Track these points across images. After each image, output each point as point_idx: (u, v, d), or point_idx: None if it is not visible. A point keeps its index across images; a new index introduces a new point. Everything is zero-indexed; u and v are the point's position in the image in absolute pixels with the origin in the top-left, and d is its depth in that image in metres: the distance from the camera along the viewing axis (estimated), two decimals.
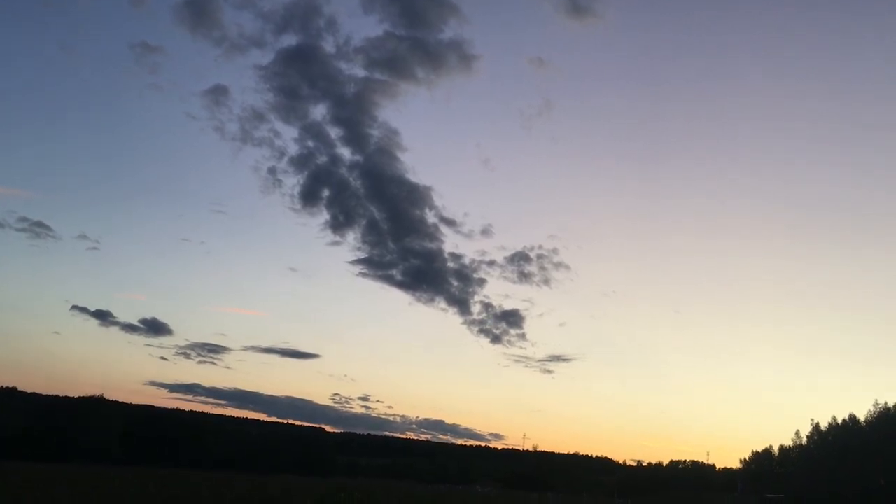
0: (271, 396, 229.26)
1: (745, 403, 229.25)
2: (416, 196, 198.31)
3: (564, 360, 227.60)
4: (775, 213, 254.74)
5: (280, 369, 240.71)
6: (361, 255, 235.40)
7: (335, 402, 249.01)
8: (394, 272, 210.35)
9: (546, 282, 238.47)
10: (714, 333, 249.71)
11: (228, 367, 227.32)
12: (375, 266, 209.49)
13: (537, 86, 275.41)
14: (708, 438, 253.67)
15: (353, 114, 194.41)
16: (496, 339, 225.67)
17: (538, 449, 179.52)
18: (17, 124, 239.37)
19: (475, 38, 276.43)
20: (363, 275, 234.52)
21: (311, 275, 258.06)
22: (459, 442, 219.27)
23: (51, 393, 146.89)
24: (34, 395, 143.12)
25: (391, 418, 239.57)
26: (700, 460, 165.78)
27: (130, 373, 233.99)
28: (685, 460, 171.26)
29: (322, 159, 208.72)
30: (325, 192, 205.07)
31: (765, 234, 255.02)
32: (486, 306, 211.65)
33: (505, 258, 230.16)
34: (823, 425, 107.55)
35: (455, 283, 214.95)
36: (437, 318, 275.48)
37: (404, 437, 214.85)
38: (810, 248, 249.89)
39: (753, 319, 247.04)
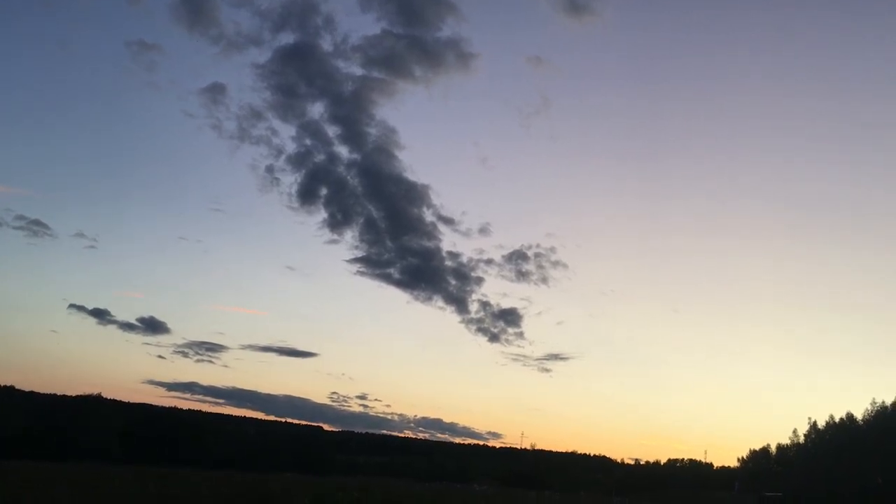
0: (269, 395, 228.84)
1: (743, 402, 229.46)
2: (414, 194, 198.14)
3: (562, 358, 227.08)
4: (774, 213, 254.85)
5: (278, 368, 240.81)
6: (359, 253, 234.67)
7: (333, 401, 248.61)
8: (391, 271, 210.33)
9: (544, 280, 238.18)
10: (712, 332, 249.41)
11: (226, 366, 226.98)
12: (373, 264, 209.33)
13: (535, 84, 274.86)
14: (706, 437, 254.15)
15: (351, 112, 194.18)
16: (494, 338, 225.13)
17: (536, 447, 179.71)
18: (13, 122, 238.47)
19: (473, 36, 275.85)
20: (361, 273, 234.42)
21: (309, 273, 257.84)
22: (457, 440, 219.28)
23: (49, 392, 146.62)
24: (32, 393, 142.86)
25: (389, 417, 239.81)
26: (698, 459, 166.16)
27: (128, 371, 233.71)
28: (683, 459, 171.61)
29: (320, 157, 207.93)
30: (323, 191, 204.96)
31: (764, 233, 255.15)
32: (484, 305, 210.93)
33: (503, 257, 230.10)
34: (821, 424, 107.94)
35: (453, 282, 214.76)
36: (435, 316, 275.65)
37: (402, 435, 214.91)
38: (809, 247, 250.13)
39: (752, 319, 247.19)
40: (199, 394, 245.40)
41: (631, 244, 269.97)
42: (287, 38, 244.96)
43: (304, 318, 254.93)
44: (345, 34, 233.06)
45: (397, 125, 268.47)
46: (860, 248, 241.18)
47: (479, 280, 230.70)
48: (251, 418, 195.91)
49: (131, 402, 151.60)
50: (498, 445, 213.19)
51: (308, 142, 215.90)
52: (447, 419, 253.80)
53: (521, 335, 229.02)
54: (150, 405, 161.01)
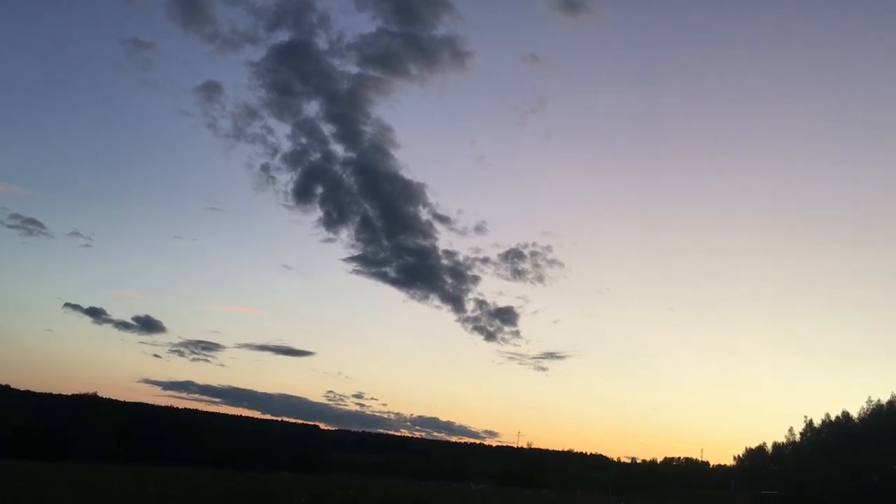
0: (265, 394, 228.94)
1: (740, 401, 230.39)
2: (410, 193, 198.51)
3: (558, 357, 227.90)
4: (771, 212, 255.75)
5: (274, 367, 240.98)
6: (355, 252, 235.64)
7: (329, 400, 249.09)
8: (387, 269, 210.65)
9: (540, 279, 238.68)
10: (708, 331, 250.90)
11: (222, 365, 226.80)
12: (369, 263, 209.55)
13: (531, 83, 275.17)
14: (702, 435, 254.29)
15: (347, 110, 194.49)
16: (490, 337, 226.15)
17: (532, 446, 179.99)
18: (8, 121, 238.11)
19: (469, 34, 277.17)
20: (357, 272, 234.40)
21: (305, 272, 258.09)
22: (454, 439, 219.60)
23: (44, 391, 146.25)
24: (28, 392, 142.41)
25: (385, 416, 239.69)
26: (694, 457, 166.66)
27: (124, 370, 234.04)
28: (679, 457, 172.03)
29: (315, 156, 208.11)
30: (319, 189, 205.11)
31: (760, 232, 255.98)
32: (480, 303, 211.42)
33: (499, 255, 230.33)
34: (817, 422, 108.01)
35: (449, 281, 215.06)
36: (431, 315, 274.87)
37: (399, 434, 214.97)
38: (806, 246, 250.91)
39: (748, 317, 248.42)
40: (195, 393, 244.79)
41: (627, 243, 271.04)
42: (282, 36, 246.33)
43: (300, 317, 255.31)
44: (340, 32, 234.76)
45: (393, 124, 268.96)
46: (857, 247, 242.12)
47: (476, 279, 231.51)
48: (247, 417, 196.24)
49: (127, 401, 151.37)
50: (494, 444, 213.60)
51: (304, 140, 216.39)
52: (443, 418, 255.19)
53: (517, 334, 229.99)
54: (146, 404, 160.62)
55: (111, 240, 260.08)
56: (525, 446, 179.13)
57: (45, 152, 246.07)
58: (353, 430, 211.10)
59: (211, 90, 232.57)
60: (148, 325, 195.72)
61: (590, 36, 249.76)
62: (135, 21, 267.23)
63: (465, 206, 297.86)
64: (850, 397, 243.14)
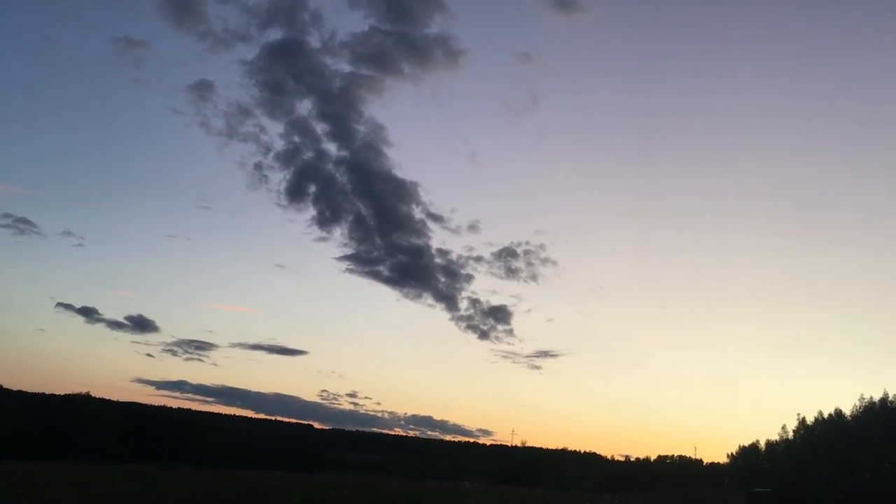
0: (259, 393, 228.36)
1: (732, 398, 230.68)
2: (403, 192, 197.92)
3: (552, 355, 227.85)
4: (764, 210, 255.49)
5: (267, 366, 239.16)
6: (348, 251, 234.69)
7: (323, 399, 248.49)
8: (381, 268, 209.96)
9: (533, 277, 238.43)
10: (701, 329, 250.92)
11: (216, 364, 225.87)
12: (362, 262, 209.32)
13: (524, 81, 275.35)
14: (695, 433, 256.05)
15: (339, 109, 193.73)
16: (484, 335, 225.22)
17: (526, 444, 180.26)
18: None
19: (461, 33, 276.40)
20: (350, 271, 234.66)
21: (298, 271, 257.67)
22: (448, 438, 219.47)
23: (37, 391, 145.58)
24: (20, 392, 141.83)
25: (379, 415, 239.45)
26: (687, 455, 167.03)
27: (116, 370, 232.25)
28: (672, 455, 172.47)
29: (308, 155, 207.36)
30: (312, 188, 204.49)
31: (753, 230, 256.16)
32: (474, 302, 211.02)
33: (492, 254, 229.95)
34: (809, 420, 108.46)
35: (442, 279, 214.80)
36: (425, 314, 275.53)
37: (393, 433, 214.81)
38: (798, 243, 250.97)
39: (741, 315, 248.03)
40: (189, 392, 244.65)
41: (620, 241, 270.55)
42: (274, 34, 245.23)
43: (293, 316, 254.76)
44: (332, 31, 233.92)
45: (386, 122, 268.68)
46: (850, 245, 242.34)
47: (469, 277, 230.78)
48: (241, 417, 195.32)
49: (120, 400, 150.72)
50: (488, 443, 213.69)
51: (296, 139, 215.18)
52: (437, 416, 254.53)
53: (510, 332, 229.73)
54: (139, 404, 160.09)
55: (103, 239, 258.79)
56: (519, 445, 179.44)
57: (36, 151, 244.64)
58: (347, 429, 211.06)
59: (203, 89, 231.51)
60: (141, 324, 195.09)
61: (583, 34, 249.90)
62: (127, 19, 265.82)
63: (459, 204, 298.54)
64: (843, 395, 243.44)
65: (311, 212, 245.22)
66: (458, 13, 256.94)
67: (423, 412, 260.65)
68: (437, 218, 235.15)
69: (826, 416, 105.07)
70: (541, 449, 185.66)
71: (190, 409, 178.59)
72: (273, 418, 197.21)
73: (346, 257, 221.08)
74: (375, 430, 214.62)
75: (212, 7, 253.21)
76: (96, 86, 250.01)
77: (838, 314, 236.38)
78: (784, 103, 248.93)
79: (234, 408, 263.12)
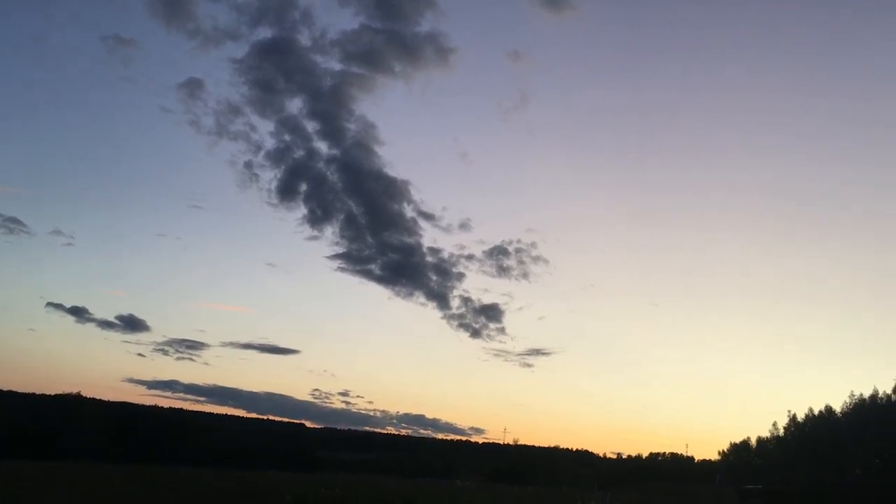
0: (251, 393, 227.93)
1: (724, 395, 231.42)
2: (394, 190, 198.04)
3: (544, 353, 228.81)
4: (755, 207, 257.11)
5: (259, 365, 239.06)
6: (340, 249, 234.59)
7: (315, 398, 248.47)
8: (372, 267, 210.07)
9: (525, 276, 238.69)
10: (692, 326, 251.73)
11: (207, 364, 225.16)
12: (354, 261, 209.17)
13: (515, 79, 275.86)
14: (687, 430, 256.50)
15: (330, 107, 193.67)
16: (476, 334, 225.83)
17: (519, 442, 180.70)
18: None
19: (452, 31, 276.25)
20: (341, 269, 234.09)
21: (290, 270, 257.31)
22: (440, 436, 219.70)
23: (27, 391, 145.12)
24: (10, 392, 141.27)
25: (372, 413, 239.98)
26: (679, 452, 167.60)
27: (107, 370, 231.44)
28: (664, 452, 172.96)
29: (299, 153, 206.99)
30: (303, 187, 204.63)
31: (744, 227, 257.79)
32: (466, 300, 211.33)
33: (483, 252, 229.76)
34: (800, 417, 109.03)
35: (434, 278, 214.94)
36: (417, 312, 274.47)
37: (385, 432, 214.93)
38: (790, 241, 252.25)
39: (731, 312, 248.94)
40: (180, 392, 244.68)
41: (611, 239, 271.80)
42: (264, 32, 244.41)
43: (285, 315, 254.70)
44: (323, 29, 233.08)
45: (377, 121, 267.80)
46: (841, 243, 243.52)
47: (461, 276, 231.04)
48: (233, 416, 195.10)
49: (111, 400, 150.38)
50: (481, 441, 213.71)
51: (287, 137, 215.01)
52: (430, 415, 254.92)
53: (502, 330, 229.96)
54: (131, 404, 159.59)
55: (93, 238, 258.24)
56: (511, 443, 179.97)
57: (25, 150, 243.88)
58: (339, 427, 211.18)
59: (193, 87, 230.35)
60: (131, 323, 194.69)
61: (573, 32, 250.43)
62: (116, 18, 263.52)
63: (450, 203, 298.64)
64: (834, 392, 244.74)
65: (301, 210, 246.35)
66: (448, 11, 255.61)
67: (415, 411, 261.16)
68: (428, 216, 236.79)
69: (817, 413, 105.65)
70: (533, 447, 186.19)
71: (182, 409, 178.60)
72: (265, 417, 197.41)
73: (337, 256, 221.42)
74: (368, 428, 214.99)
75: (201, 5, 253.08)
76: (85, 84, 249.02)
77: (829, 311, 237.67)
78: (774, 101, 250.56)
79: (226, 407, 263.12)
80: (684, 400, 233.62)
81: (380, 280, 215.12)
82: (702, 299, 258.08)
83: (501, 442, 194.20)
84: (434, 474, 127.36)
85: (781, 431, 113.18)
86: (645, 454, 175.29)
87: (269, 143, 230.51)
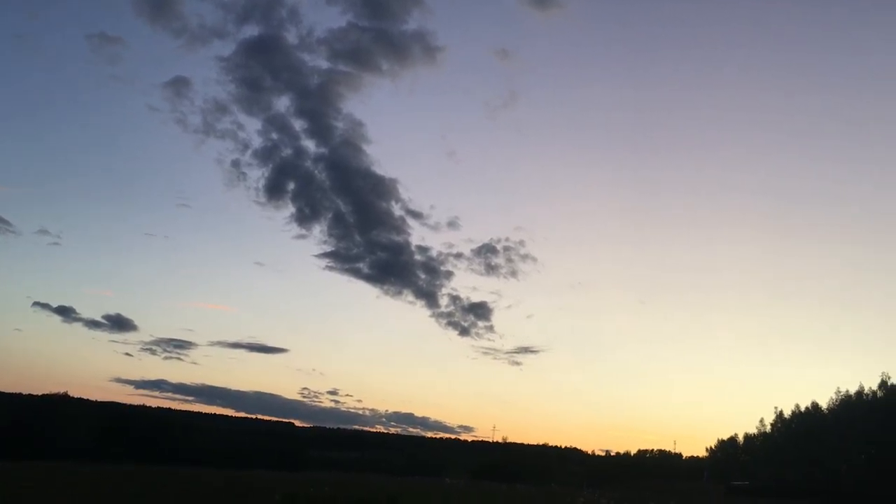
0: (239, 392, 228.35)
1: (711, 392, 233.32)
2: (382, 189, 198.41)
3: (532, 351, 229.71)
4: (742, 205, 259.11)
5: (248, 364, 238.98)
6: (328, 248, 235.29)
7: (304, 397, 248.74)
8: (361, 265, 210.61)
9: (513, 274, 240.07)
10: (680, 324, 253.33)
11: (195, 363, 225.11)
12: (342, 259, 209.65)
13: (502, 77, 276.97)
14: (674, 427, 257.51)
15: (318, 106, 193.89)
16: (464, 332, 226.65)
17: (508, 440, 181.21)
18: None
19: (439, 29, 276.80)
20: (330, 268, 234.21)
21: (278, 269, 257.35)
22: (429, 434, 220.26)
23: (14, 391, 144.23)
24: None
25: (361, 412, 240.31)
26: (667, 449, 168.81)
27: (95, 370, 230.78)
28: (652, 449, 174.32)
29: (286, 152, 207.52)
30: (291, 185, 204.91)
31: (731, 225, 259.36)
32: (454, 299, 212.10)
33: (472, 250, 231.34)
34: (787, 413, 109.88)
35: (422, 276, 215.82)
36: (405, 311, 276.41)
37: (374, 430, 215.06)
38: (776, 238, 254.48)
39: (719, 310, 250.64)
40: (168, 391, 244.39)
41: (599, 237, 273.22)
42: (251, 30, 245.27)
43: (273, 314, 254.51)
44: (310, 27, 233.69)
45: (364, 119, 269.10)
46: (827, 240, 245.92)
47: (449, 274, 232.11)
48: (221, 415, 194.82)
49: (98, 400, 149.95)
50: (470, 439, 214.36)
51: (274, 136, 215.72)
52: (419, 413, 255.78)
53: (491, 329, 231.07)
54: (118, 403, 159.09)
55: (80, 237, 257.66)
56: (500, 441, 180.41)
57: (10, 149, 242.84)
58: (328, 426, 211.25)
59: (180, 85, 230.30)
60: (119, 323, 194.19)
61: (560, 30, 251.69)
62: (102, 15, 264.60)
63: (438, 201, 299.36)
64: (820, 388, 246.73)
65: (289, 209, 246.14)
66: (435, 9, 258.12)
67: (404, 409, 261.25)
68: (416, 215, 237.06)
69: (803, 409, 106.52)
70: (522, 445, 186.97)
71: (170, 409, 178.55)
72: (254, 417, 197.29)
73: (325, 254, 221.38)
74: (357, 427, 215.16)
75: (188, 3, 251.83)
76: (71, 83, 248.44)
77: (816, 309, 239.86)
78: (764, 99, 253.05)
79: (215, 406, 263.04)
80: (672, 397, 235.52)
81: (368, 279, 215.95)
82: (689, 297, 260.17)
83: (490, 440, 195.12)
84: (423, 472, 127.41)
85: (768, 428, 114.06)
86: (633, 451, 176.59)
87: (257, 142, 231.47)
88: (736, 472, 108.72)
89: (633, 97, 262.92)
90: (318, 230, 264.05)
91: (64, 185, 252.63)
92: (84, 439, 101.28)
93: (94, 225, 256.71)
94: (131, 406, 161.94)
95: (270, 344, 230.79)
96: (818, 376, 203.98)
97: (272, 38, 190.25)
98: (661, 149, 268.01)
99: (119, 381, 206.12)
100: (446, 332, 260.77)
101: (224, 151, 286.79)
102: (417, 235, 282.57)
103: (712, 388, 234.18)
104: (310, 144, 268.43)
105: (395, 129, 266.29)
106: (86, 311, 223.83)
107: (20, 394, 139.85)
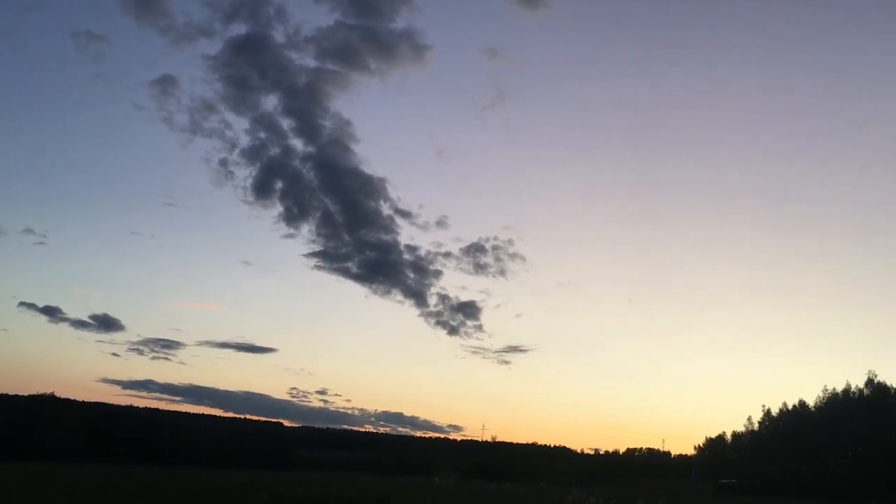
0: (227, 392, 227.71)
1: (699, 391, 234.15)
2: (371, 188, 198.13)
3: (521, 350, 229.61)
4: (730, 204, 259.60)
5: (236, 364, 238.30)
6: (316, 247, 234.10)
7: (293, 397, 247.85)
8: (349, 265, 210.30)
9: (502, 273, 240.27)
10: (668, 322, 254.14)
11: (183, 363, 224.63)
12: (331, 259, 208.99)
13: (490, 76, 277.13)
14: (663, 426, 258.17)
15: (305, 104, 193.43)
16: (453, 331, 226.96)
17: (497, 439, 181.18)
18: None
19: (427, 28, 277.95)
20: (318, 267, 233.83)
21: (266, 268, 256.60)
22: (418, 434, 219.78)
23: (0, 392, 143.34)
24: None
25: (350, 412, 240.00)
26: (656, 447, 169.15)
27: (82, 370, 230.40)
28: (641, 448, 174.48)
29: (274, 151, 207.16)
30: (278, 185, 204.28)
31: (717, 224, 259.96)
32: (443, 298, 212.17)
33: (461, 250, 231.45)
34: (774, 411, 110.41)
35: (411, 276, 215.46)
36: (394, 310, 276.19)
37: (363, 430, 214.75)
38: (764, 238, 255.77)
39: (706, 308, 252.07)
40: (156, 392, 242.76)
41: (587, 236, 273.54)
42: (238, 28, 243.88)
43: (261, 314, 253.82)
44: (297, 25, 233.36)
45: (352, 118, 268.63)
46: (814, 239, 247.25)
47: (438, 273, 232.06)
48: (209, 415, 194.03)
49: (86, 401, 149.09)
50: (459, 438, 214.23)
51: (262, 135, 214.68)
52: (408, 413, 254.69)
53: (479, 328, 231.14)
54: (106, 404, 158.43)
55: (66, 237, 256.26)
56: (490, 440, 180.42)
57: None
58: (317, 426, 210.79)
59: (166, 84, 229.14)
60: (106, 323, 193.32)
61: (548, 29, 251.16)
62: (87, 13, 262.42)
63: (426, 200, 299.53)
64: (807, 387, 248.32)
65: (277, 208, 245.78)
66: (423, 8, 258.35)
67: (393, 408, 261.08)
68: (405, 214, 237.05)
69: (790, 407, 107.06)
70: (511, 444, 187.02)
71: (157, 409, 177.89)
72: (242, 417, 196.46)
73: (314, 254, 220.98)
74: (346, 427, 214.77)
75: (174, 1, 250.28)
76: (57, 81, 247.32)
77: (803, 308, 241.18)
78: (757, 97, 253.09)
79: (203, 407, 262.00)
80: (660, 395, 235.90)
81: (357, 278, 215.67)
82: (677, 296, 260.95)
83: (479, 439, 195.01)
84: (412, 472, 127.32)
85: (756, 426, 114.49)
86: (622, 450, 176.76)
87: (244, 141, 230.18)
88: (724, 470, 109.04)
89: (622, 96, 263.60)
90: (307, 229, 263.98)
91: (48, 184, 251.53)
92: (71, 440, 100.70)
93: (80, 224, 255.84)
94: (119, 406, 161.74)
95: (259, 344, 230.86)
96: (805, 375, 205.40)
97: (259, 36, 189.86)
98: (650, 148, 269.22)
99: (106, 381, 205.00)
100: (435, 331, 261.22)
101: (211, 150, 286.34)
102: (406, 235, 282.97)
103: (700, 386, 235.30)
104: (298, 143, 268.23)
105: (384, 128, 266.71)
106: (72, 311, 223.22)
107: (6, 394, 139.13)
